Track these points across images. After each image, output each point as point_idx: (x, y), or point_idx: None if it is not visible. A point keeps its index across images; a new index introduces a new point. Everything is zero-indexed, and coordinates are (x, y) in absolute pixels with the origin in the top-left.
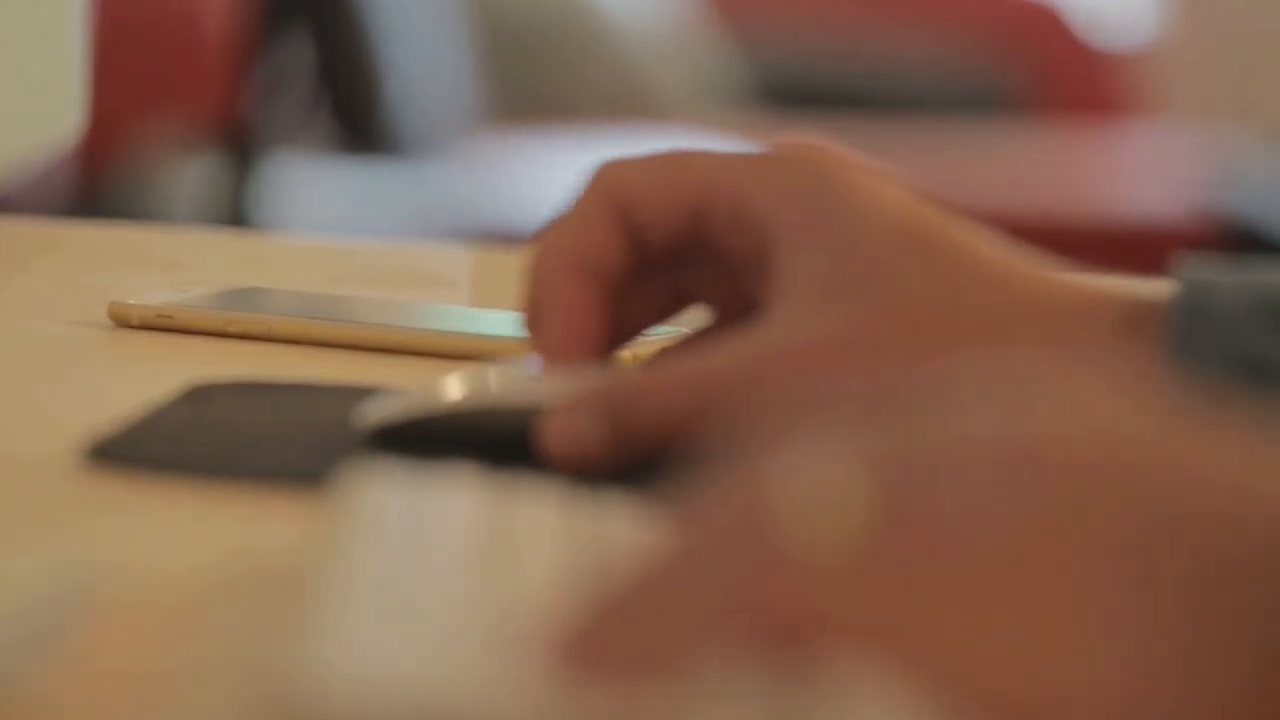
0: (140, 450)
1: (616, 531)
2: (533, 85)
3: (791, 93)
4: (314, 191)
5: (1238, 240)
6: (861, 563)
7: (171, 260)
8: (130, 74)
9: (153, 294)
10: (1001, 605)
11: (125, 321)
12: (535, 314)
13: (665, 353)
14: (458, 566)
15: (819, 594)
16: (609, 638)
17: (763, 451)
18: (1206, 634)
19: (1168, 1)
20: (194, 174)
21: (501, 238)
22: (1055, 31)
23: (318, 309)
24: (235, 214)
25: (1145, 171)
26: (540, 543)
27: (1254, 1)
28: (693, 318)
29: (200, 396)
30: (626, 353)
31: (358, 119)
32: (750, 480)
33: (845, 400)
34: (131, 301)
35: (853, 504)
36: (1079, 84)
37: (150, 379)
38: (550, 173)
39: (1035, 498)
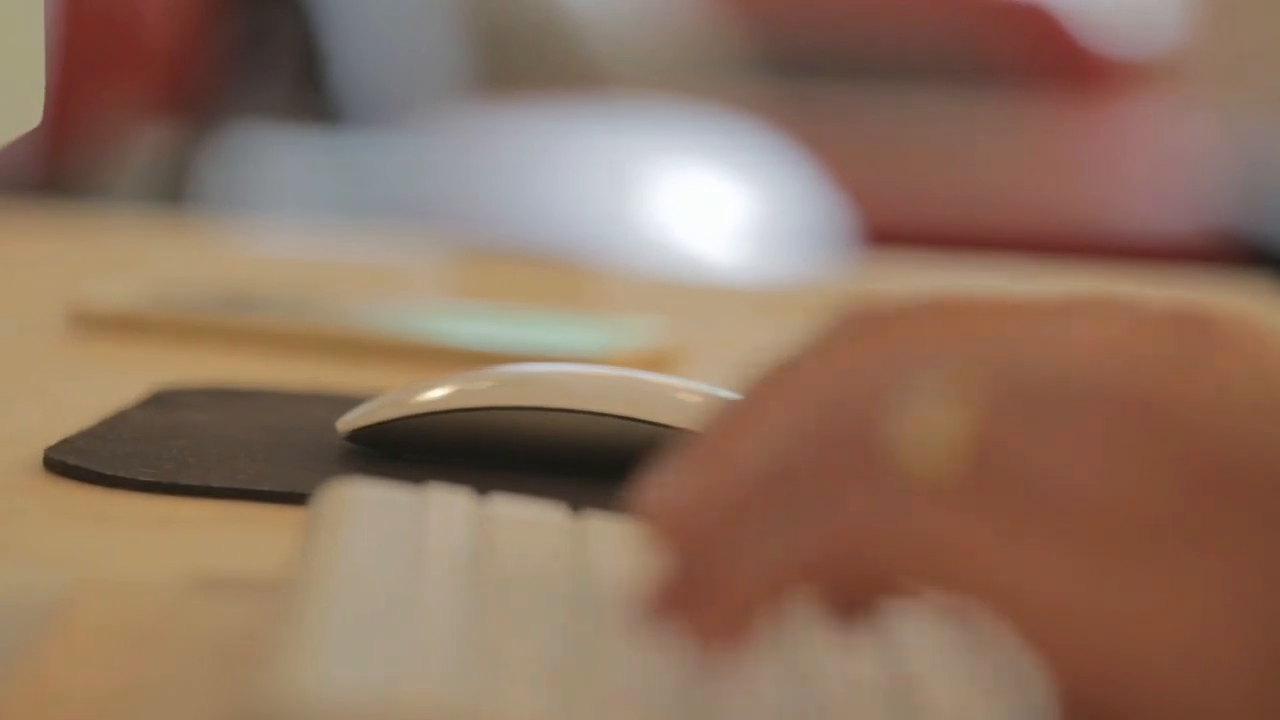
0: (102, 459)
1: (601, 548)
2: (507, 57)
3: (789, 63)
4: (279, 165)
5: (1245, 251)
6: (962, 490)
7: (136, 255)
8: (88, 48)
9: (117, 292)
10: (1090, 553)
11: (88, 321)
12: None
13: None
14: (435, 584)
15: (916, 511)
16: (708, 519)
17: (877, 375)
18: None
19: (1190, 3)
20: (155, 148)
21: (466, 214)
22: (1056, 27)
23: (289, 308)
24: (197, 189)
25: (1153, 173)
26: (521, 561)
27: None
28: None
29: (166, 402)
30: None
31: (322, 90)
32: (860, 399)
33: (962, 341)
34: (94, 300)
35: (958, 432)
36: (1083, 82)
37: (113, 383)
38: (522, 146)
39: (1132, 441)
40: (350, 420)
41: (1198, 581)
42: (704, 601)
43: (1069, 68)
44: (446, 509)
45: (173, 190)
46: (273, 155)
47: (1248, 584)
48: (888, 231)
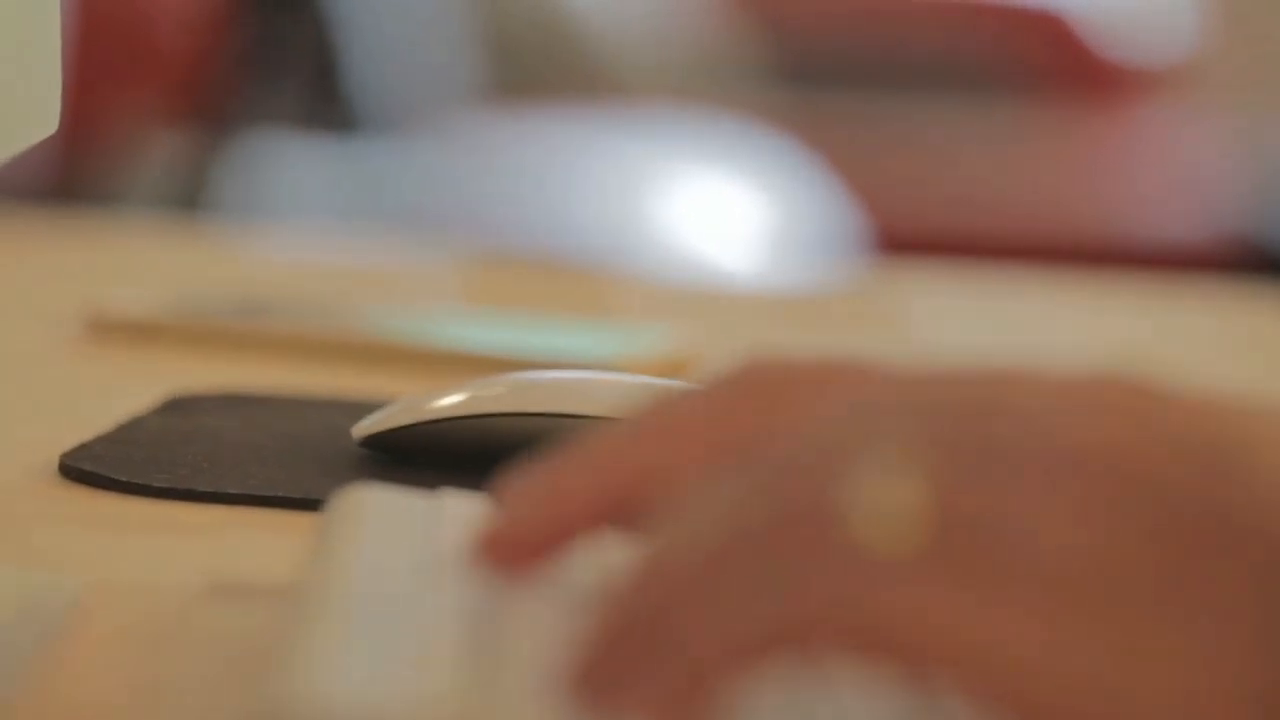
0: (117, 465)
1: (613, 554)
2: (521, 64)
3: (802, 70)
4: (294, 171)
5: (1260, 258)
6: (925, 560)
7: (152, 262)
8: (103, 54)
9: (132, 299)
10: (1066, 614)
11: (103, 328)
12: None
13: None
14: (448, 590)
15: (885, 587)
16: (660, 628)
17: (827, 446)
18: (1275, 645)
19: (1204, 11)
20: (171, 154)
21: (481, 221)
22: (1070, 35)
23: (304, 314)
24: (212, 195)
25: (1167, 181)
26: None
27: None
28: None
29: (180, 408)
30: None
31: (338, 97)
32: (813, 471)
33: (913, 400)
34: (110, 307)
35: (917, 501)
36: (1096, 89)
37: (129, 389)
38: (536, 153)
39: (1100, 498)
40: (364, 426)
41: (1177, 635)
42: (653, 673)
43: (1083, 75)
44: (460, 515)
45: (188, 197)
46: (288, 162)
47: (1229, 636)
48: (901, 239)
